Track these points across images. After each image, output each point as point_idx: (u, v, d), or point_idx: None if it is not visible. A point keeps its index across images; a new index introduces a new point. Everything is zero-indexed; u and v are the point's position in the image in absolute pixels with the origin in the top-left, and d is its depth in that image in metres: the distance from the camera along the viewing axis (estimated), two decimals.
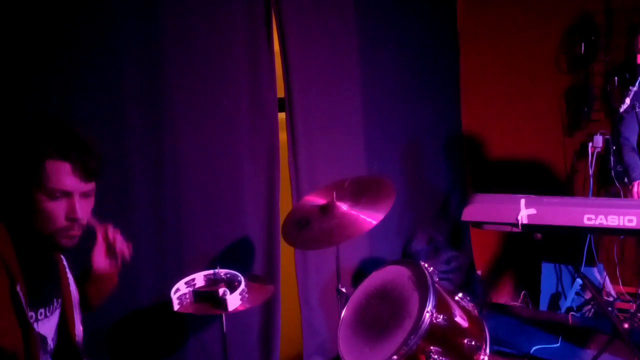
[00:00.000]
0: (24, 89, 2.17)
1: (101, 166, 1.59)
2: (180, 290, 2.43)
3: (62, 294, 1.72)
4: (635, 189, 3.16)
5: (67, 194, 1.53)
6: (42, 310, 1.61)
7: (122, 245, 1.79)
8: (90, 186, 1.60)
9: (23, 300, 1.50)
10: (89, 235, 1.72)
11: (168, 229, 2.72)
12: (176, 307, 2.38)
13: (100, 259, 1.78)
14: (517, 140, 4.85)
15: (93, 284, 1.85)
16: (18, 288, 1.49)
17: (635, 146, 3.28)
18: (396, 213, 4.07)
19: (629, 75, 3.62)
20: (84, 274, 1.83)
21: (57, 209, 1.53)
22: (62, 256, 1.76)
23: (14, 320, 1.48)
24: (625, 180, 3.31)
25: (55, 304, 1.68)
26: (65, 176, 1.52)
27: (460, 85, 5.06)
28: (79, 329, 1.78)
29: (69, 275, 1.77)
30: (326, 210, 2.59)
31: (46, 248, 1.62)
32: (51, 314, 1.65)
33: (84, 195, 1.58)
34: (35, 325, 1.57)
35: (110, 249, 1.78)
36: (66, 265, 1.77)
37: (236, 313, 2.40)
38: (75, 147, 1.53)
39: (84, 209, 1.58)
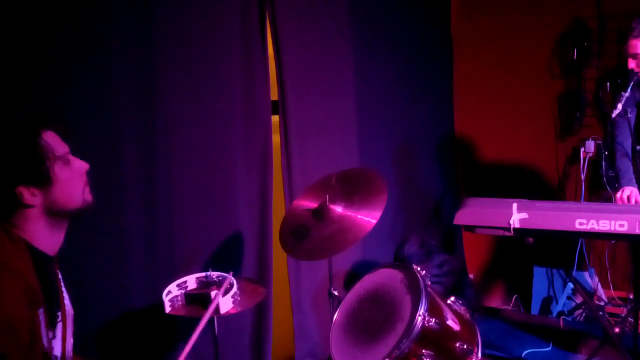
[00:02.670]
0: (16, 89, 2.17)
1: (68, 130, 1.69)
2: (172, 293, 2.42)
3: (61, 308, 1.69)
4: (619, 194, 3.18)
5: (68, 154, 1.64)
6: (52, 329, 1.61)
7: None
8: None
9: (43, 325, 1.52)
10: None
11: (160, 231, 2.71)
12: (168, 309, 2.37)
13: None
14: (510, 144, 4.86)
15: None
16: (41, 311, 1.51)
17: (628, 152, 3.29)
18: (389, 216, 4.08)
19: (620, 81, 3.64)
20: None
21: (73, 171, 1.63)
22: (58, 271, 1.75)
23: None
24: (616, 185, 3.32)
25: (59, 317, 1.66)
26: (59, 141, 1.62)
27: (453, 90, 5.08)
28: (69, 349, 1.74)
29: (64, 291, 1.75)
30: (321, 214, 2.57)
31: (77, 217, 1.68)
32: (57, 330, 1.64)
33: None
34: (50, 345, 1.58)
35: None
36: (61, 280, 1.76)
37: (228, 316, 2.39)
38: (49, 119, 1.64)
39: None
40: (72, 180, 1.62)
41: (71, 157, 1.64)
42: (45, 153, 1.56)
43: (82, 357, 1.85)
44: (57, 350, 1.62)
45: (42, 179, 1.55)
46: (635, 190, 3.16)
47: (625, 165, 3.25)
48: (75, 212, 1.65)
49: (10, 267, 1.49)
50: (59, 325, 1.66)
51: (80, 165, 1.66)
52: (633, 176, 3.23)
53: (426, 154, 4.76)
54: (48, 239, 1.62)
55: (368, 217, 2.47)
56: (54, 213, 1.60)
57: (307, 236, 2.56)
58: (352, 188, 2.63)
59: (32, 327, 1.49)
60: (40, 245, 1.60)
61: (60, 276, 1.75)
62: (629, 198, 3.15)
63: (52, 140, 1.59)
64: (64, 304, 1.72)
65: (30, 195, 1.54)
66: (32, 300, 1.50)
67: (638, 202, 3.13)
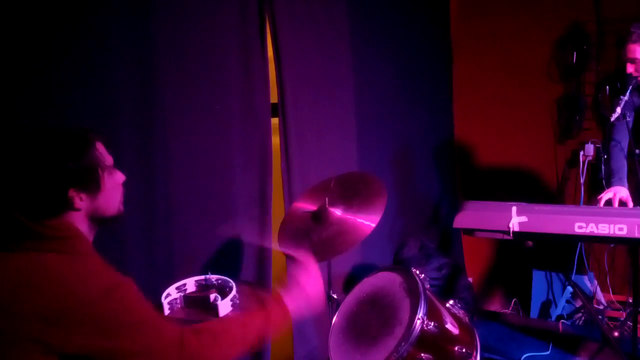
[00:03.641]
0: (18, 89, 2.17)
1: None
2: (170, 295, 2.41)
3: None
4: (603, 195, 3.12)
5: (112, 165, 1.71)
6: None
7: None
8: None
9: None
10: None
11: (159, 233, 2.71)
12: (167, 312, 2.37)
13: None
14: (509, 148, 4.87)
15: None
16: None
17: (625, 150, 3.28)
18: (388, 219, 4.08)
19: (619, 85, 3.64)
20: None
21: (115, 182, 1.71)
22: None
23: None
24: (604, 184, 3.28)
25: None
26: (107, 151, 1.70)
27: (452, 93, 5.08)
28: None
29: None
30: (320, 217, 2.57)
31: (112, 223, 1.76)
32: None
33: None
34: None
35: None
36: None
37: None
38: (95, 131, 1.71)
39: None
40: (114, 190, 1.71)
41: (114, 169, 1.73)
42: (99, 162, 1.64)
43: None
44: None
45: (93, 186, 1.62)
46: (621, 190, 3.14)
47: (620, 164, 3.23)
48: (111, 220, 1.72)
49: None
50: None
51: (120, 177, 1.73)
52: (625, 176, 3.21)
53: (425, 156, 4.76)
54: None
55: (367, 221, 2.47)
56: (94, 219, 1.67)
57: (305, 239, 2.57)
58: (352, 191, 2.63)
59: None
60: None
61: None
62: (612, 200, 3.11)
63: (103, 150, 1.68)
64: None
65: (79, 200, 1.60)
66: None
67: (627, 203, 3.10)
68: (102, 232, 2.43)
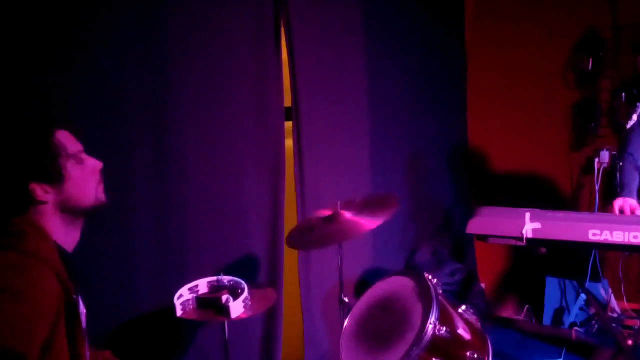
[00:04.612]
0: (28, 88, 2.20)
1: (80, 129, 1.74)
2: (183, 297, 2.43)
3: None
4: (616, 205, 3.11)
5: (82, 153, 1.68)
6: None
7: None
8: None
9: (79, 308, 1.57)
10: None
11: (172, 235, 2.73)
12: (179, 313, 2.38)
13: None
14: (524, 154, 4.84)
15: None
16: (74, 297, 1.56)
17: (638, 163, 3.25)
18: (400, 225, 4.07)
19: (636, 92, 3.62)
20: None
21: (86, 170, 1.67)
22: None
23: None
24: (618, 190, 3.26)
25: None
26: (72, 140, 1.67)
27: (467, 99, 5.07)
28: (85, 348, 1.77)
29: None
30: (331, 219, 2.61)
31: (91, 215, 1.72)
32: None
33: None
34: None
35: None
36: None
37: (238, 321, 2.40)
38: (61, 119, 1.72)
39: None
40: (85, 179, 1.67)
41: (84, 156, 1.69)
42: (58, 151, 1.60)
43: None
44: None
45: (54, 176, 1.60)
46: (630, 201, 3.12)
47: (631, 178, 3.21)
48: (89, 210, 1.69)
49: (40, 255, 1.52)
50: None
51: (94, 164, 1.70)
52: (635, 189, 3.20)
53: (439, 161, 4.75)
54: (64, 235, 1.66)
55: (371, 223, 2.53)
56: (67, 210, 1.64)
57: (313, 234, 2.63)
58: (368, 205, 2.69)
59: (73, 312, 1.55)
60: (58, 240, 1.63)
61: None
62: (622, 209, 3.10)
63: (66, 139, 1.64)
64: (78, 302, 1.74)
65: (43, 192, 1.59)
66: (65, 287, 1.54)
67: (634, 211, 3.08)
68: (114, 232, 2.48)
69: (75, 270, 1.68)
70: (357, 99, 3.75)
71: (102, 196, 1.71)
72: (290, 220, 3.16)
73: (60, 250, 1.63)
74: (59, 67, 2.28)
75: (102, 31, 2.42)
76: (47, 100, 2.26)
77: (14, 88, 2.16)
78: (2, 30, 2.12)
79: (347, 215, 2.60)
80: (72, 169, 1.63)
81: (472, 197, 5.13)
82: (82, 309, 1.77)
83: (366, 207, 2.66)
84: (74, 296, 1.58)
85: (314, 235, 2.61)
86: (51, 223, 1.62)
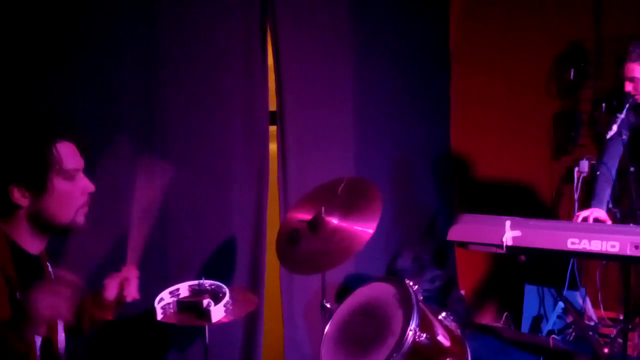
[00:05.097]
0: (22, 90, 2.19)
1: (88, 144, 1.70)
2: (164, 300, 2.42)
3: None
4: (580, 213, 3.16)
5: (78, 171, 1.63)
6: None
7: (134, 291, 1.85)
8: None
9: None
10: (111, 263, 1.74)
11: (154, 236, 2.71)
12: (160, 316, 2.37)
13: (112, 289, 1.82)
14: (506, 162, 4.88)
15: (93, 309, 1.87)
16: (18, 295, 1.51)
17: (612, 176, 3.30)
18: (383, 230, 4.08)
19: (616, 103, 3.67)
20: (93, 296, 1.85)
21: (75, 189, 1.62)
22: (48, 263, 1.75)
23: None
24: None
25: None
26: (73, 155, 1.62)
27: (450, 106, 5.10)
28: (61, 337, 1.76)
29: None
30: (315, 226, 2.57)
31: (65, 234, 1.67)
32: None
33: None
34: None
35: (123, 287, 1.83)
36: (52, 273, 1.76)
37: (219, 325, 2.40)
38: (72, 129, 1.63)
39: None
40: (69, 197, 1.61)
41: (79, 175, 1.64)
42: (51, 162, 1.56)
43: None
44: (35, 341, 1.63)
45: (37, 185, 1.56)
46: (597, 212, 3.17)
47: (602, 187, 3.26)
48: (60, 228, 1.64)
49: None
50: None
51: (85, 185, 1.65)
52: (605, 199, 3.24)
53: (422, 168, 4.78)
54: (30, 241, 1.63)
55: (363, 228, 2.48)
56: (37, 221, 1.60)
57: (298, 245, 2.58)
58: (350, 200, 2.64)
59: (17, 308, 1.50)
60: (22, 243, 1.61)
61: (50, 269, 1.76)
62: (586, 218, 3.14)
63: (66, 152, 1.59)
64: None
65: (20, 196, 1.55)
66: (8, 280, 1.51)
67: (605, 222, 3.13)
68: (98, 233, 2.46)
69: (36, 270, 1.66)
70: (342, 104, 3.77)
71: (80, 219, 1.66)
72: (272, 223, 3.16)
73: (21, 252, 1.60)
74: (49, 69, 2.27)
75: (95, 38, 2.43)
76: (36, 101, 2.25)
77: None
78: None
79: (332, 221, 2.55)
80: (58, 184, 1.58)
81: (455, 203, 5.17)
82: (61, 323, 1.76)
83: (349, 202, 2.61)
84: (17, 293, 1.54)
85: (302, 252, 2.56)
86: (19, 227, 1.59)
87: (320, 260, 2.52)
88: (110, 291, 1.82)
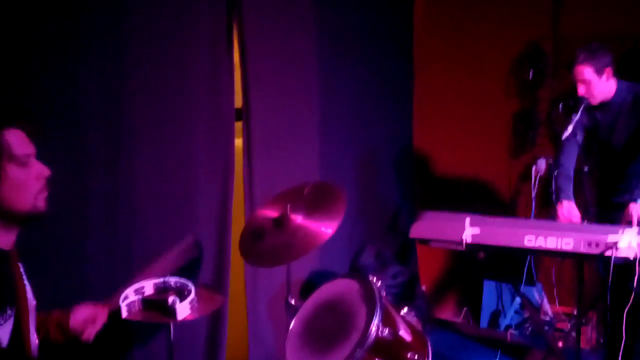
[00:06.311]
0: None
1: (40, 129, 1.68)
2: (129, 298, 2.41)
3: (18, 302, 1.68)
4: (559, 209, 3.31)
5: (30, 156, 1.61)
6: None
7: (94, 329, 1.89)
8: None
9: None
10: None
11: (119, 233, 2.71)
12: (124, 314, 2.36)
13: (77, 321, 1.86)
14: (466, 160, 4.98)
15: (53, 327, 1.88)
16: None
17: (571, 174, 3.42)
18: (347, 225, 4.12)
19: (572, 103, 3.79)
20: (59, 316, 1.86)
21: (30, 174, 1.60)
22: (19, 263, 1.74)
23: None
24: (553, 198, 3.44)
25: (8, 312, 1.64)
26: (24, 140, 1.60)
27: (413, 105, 5.18)
28: (34, 338, 1.75)
29: (26, 283, 1.75)
30: (280, 223, 2.60)
31: (27, 222, 1.65)
32: (5, 321, 1.62)
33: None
34: None
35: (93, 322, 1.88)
36: (23, 273, 1.75)
37: (184, 322, 2.40)
38: (21, 116, 1.63)
39: None
40: (25, 183, 1.60)
41: (32, 160, 1.63)
42: (0, 150, 1.54)
43: None
44: (3, 338, 1.62)
45: None
46: (572, 203, 3.31)
47: (564, 184, 3.39)
48: (23, 215, 1.62)
49: None
50: (10, 320, 1.65)
51: (40, 170, 1.63)
52: (571, 192, 3.38)
53: (385, 165, 4.84)
54: None
55: (325, 228, 2.51)
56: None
57: (262, 241, 2.60)
58: (315, 201, 2.67)
59: None
60: None
61: (22, 269, 1.74)
62: (568, 211, 3.29)
63: (15, 139, 1.58)
64: (21, 296, 1.71)
65: None
66: None
67: (576, 216, 3.26)
68: (63, 230, 2.45)
69: (4, 269, 1.65)
70: (307, 101, 3.79)
71: (41, 204, 1.64)
72: (237, 220, 3.17)
73: None
74: (11, 67, 2.24)
75: (62, 42, 2.41)
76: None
77: None
78: None
79: (297, 219, 2.57)
80: (11, 171, 1.56)
81: (417, 200, 5.24)
82: (32, 300, 1.76)
83: (315, 203, 2.64)
84: None
85: (266, 246, 2.58)
86: None
87: (282, 252, 2.54)
88: (75, 320, 1.85)
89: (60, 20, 2.40)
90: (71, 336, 1.89)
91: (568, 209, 3.29)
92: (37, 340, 1.77)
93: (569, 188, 3.39)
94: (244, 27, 3.18)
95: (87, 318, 1.87)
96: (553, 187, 4.33)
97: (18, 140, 1.59)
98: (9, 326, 1.66)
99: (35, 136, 1.63)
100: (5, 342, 1.65)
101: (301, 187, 2.74)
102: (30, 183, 1.61)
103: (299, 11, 3.65)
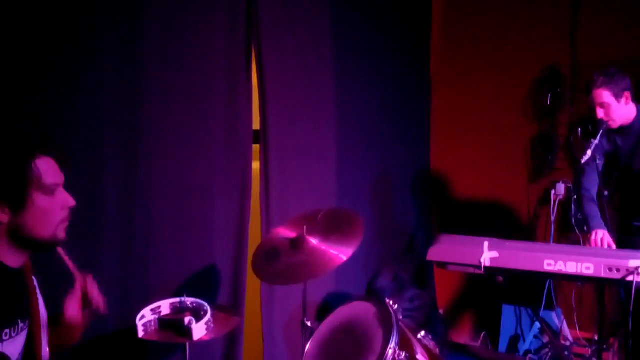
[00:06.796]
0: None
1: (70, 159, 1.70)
2: (145, 317, 2.42)
3: (31, 315, 1.71)
4: (593, 237, 3.24)
5: (58, 186, 1.62)
6: (7, 330, 1.61)
7: (98, 298, 1.85)
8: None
9: None
10: (66, 280, 1.75)
11: (137, 254, 2.73)
12: (141, 334, 2.37)
13: (73, 308, 1.81)
14: (484, 183, 4.95)
15: (61, 330, 1.85)
16: None
17: (595, 198, 3.37)
18: (364, 248, 4.11)
19: (591, 128, 3.77)
20: (54, 318, 1.83)
21: (55, 204, 1.61)
22: (33, 277, 1.76)
23: None
24: (585, 228, 3.39)
25: (21, 324, 1.66)
26: (53, 169, 1.62)
27: (430, 128, 5.18)
28: (45, 351, 1.77)
29: (39, 296, 1.76)
30: (297, 244, 2.60)
31: (46, 250, 1.67)
32: (17, 334, 1.64)
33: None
34: None
35: (86, 300, 1.83)
36: (37, 286, 1.77)
37: (200, 342, 2.41)
38: (52, 144, 1.64)
39: None
40: (49, 212, 1.61)
41: (59, 190, 1.64)
42: (30, 178, 1.56)
43: None
44: (10, 351, 1.62)
45: (17, 201, 1.56)
46: (606, 232, 3.24)
47: (594, 210, 3.33)
48: (41, 243, 1.63)
49: None
50: (23, 332, 1.66)
51: (65, 200, 1.64)
52: (602, 220, 3.32)
53: (402, 188, 4.83)
54: (9, 256, 1.62)
55: (340, 253, 2.50)
56: (17, 237, 1.60)
57: (278, 260, 2.60)
58: (334, 224, 2.68)
59: None
60: (1, 257, 1.60)
61: (35, 282, 1.76)
62: (602, 240, 3.21)
63: (45, 167, 1.60)
64: (34, 310, 1.72)
65: (0, 212, 1.55)
66: None
67: (610, 245, 3.19)
68: (80, 249, 2.46)
69: (15, 283, 1.66)
70: (325, 124, 3.81)
71: (61, 234, 1.66)
72: (253, 242, 3.18)
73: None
74: (28, 76, 2.29)
75: (80, 51, 2.45)
76: (14, 110, 2.26)
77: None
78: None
79: (313, 241, 2.57)
80: (38, 199, 1.58)
81: (434, 224, 5.22)
82: (44, 314, 1.77)
83: (331, 227, 2.65)
84: None
85: (280, 265, 2.58)
86: None
87: (298, 271, 2.54)
88: (72, 309, 1.81)
89: (80, 44, 2.44)
90: (80, 328, 1.87)
91: (603, 238, 3.19)
92: (48, 355, 1.78)
93: (599, 215, 3.31)
94: (262, 50, 3.22)
95: (81, 294, 1.83)
96: (573, 212, 4.32)
97: (48, 169, 1.61)
98: (21, 339, 1.67)
99: (65, 166, 1.65)
100: (17, 354, 1.67)
101: (316, 213, 2.75)
102: (55, 212, 1.62)
103: (316, 34, 3.69)
